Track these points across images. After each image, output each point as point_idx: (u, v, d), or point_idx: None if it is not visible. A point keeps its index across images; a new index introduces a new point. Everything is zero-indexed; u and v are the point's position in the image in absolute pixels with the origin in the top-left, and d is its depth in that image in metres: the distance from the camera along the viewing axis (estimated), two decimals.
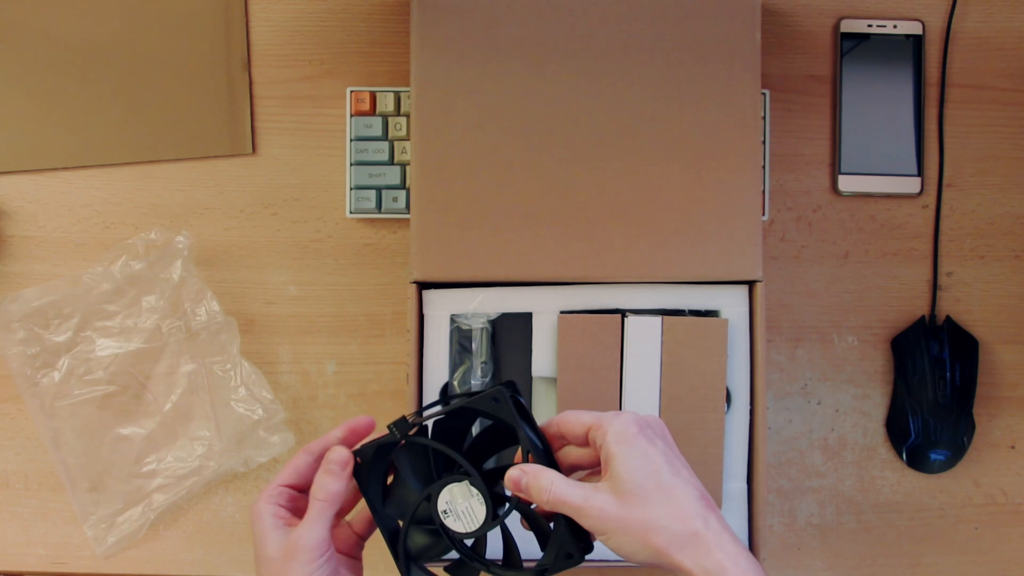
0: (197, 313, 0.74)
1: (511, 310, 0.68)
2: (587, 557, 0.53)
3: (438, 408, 0.55)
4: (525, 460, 0.53)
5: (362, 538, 0.59)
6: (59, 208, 0.77)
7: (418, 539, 0.56)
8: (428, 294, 0.68)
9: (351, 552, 0.58)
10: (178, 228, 0.76)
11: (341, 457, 0.54)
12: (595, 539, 0.53)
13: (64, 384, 0.74)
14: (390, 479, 0.57)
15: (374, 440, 0.55)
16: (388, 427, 0.55)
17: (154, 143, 0.77)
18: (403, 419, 0.54)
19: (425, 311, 0.68)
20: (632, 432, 0.51)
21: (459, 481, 0.53)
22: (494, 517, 0.53)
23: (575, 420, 0.53)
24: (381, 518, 0.56)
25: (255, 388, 0.74)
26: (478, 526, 0.53)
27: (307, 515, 0.53)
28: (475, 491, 0.53)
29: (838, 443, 0.76)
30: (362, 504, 0.58)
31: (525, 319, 0.68)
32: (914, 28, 0.77)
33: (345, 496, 0.54)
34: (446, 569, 0.57)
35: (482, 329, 0.70)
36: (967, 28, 0.78)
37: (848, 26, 0.77)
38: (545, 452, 0.55)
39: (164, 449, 0.74)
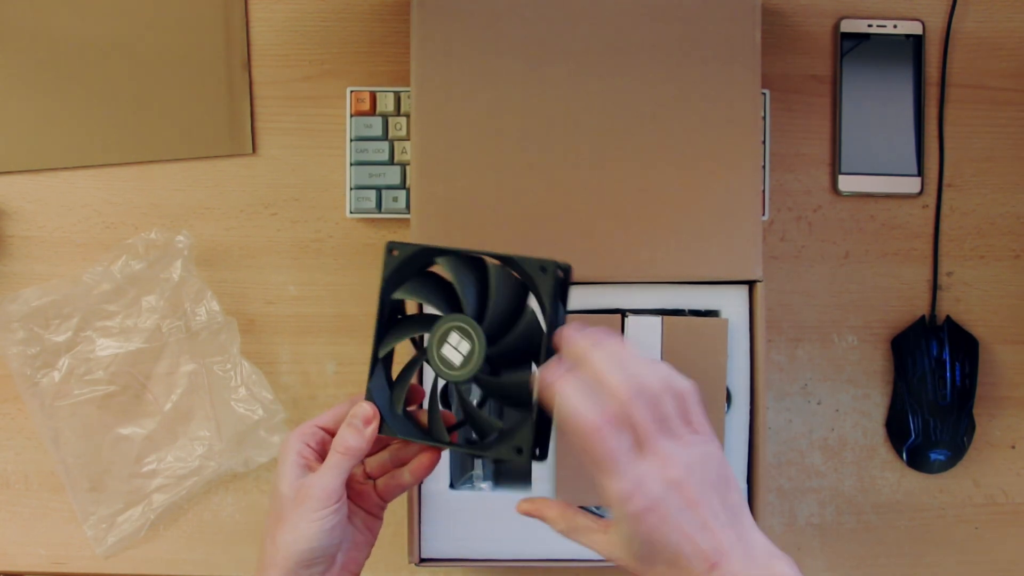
0: (197, 313, 0.74)
1: None
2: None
3: (481, 252, 0.54)
4: (540, 332, 0.51)
5: (384, 500, 0.58)
6: (59, 208, 0.77)
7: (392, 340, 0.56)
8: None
9: (373, 511, 0.58)
10: (178, 228, 0.76)
11: (365, 413, 0.54)
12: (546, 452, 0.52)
13: (64, 384, 0.74)
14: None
15: (422, 244, 0.54)
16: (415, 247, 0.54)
17: (154, 143, 0.77)
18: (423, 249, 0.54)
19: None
20: (637, 508, 0.46)
21: (461, 326, 0.53)
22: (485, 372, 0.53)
23: (581, 431, 0.48)
24: (382, 319, 0.56)
25: (255, 388, 0.74)
26: (462, 360, 0.52)
27: (324, 463, 0.53)
28: (469, 338, 0.52)
29: (838, 443, 0.76)
30: (389, 469, 0.58)
31: None
32: (914, 28, 0.77)
33: (364, 452, 0.54)
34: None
35: None
36: (967, 28, 0.78)
37: (848, 26, 0.77)
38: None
39: (164, 449, 0.74)
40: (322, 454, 0.55)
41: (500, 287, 0.53)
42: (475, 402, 0.65)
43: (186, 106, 0.77)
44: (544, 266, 0.51)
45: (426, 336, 0.55)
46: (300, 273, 0.77)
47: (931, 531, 0.76)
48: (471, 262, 0.54)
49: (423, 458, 0.56)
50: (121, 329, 0.74)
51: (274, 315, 0.76)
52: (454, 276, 0.53)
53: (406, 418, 0.56)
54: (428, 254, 0.54)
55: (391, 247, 0.55)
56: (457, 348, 0.53)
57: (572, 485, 0.65)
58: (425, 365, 0.56)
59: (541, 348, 0.51)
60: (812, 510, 0.76)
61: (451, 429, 0.56)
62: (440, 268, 0.55)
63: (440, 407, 0.55)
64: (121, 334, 0.74)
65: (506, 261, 0.53)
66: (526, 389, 0.51)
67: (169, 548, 0.76)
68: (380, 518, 0.58)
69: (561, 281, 0.52)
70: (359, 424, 0.53)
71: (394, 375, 0.57)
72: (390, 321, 0.56)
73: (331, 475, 0.52)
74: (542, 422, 0.51)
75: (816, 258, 0.77)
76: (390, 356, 0.57)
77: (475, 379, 0.53)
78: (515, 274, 0.53)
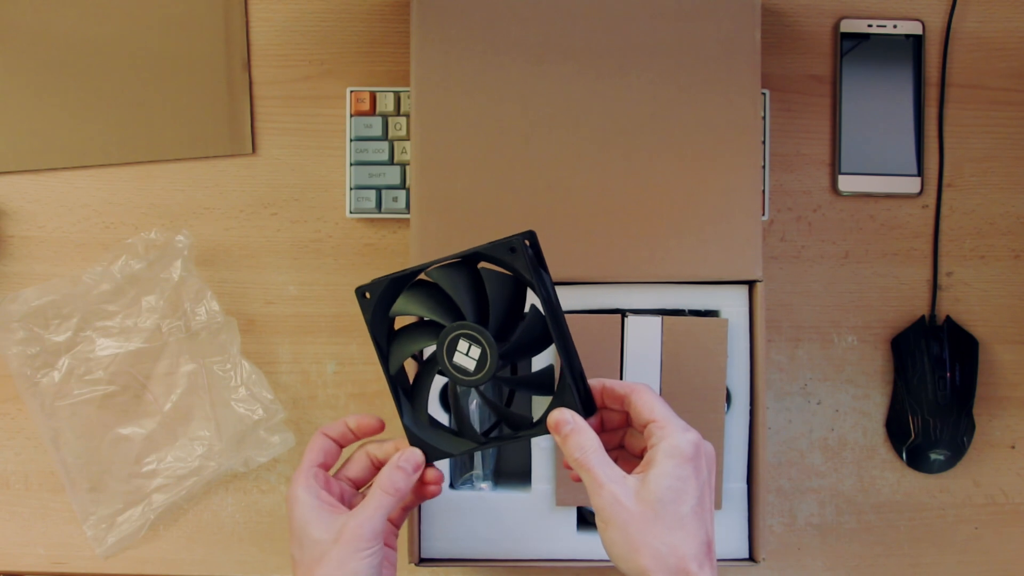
0: (197, 313, 0.74)
1: None
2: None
3: (450, 257, 0.55)
4: (544, 318, 0.53)
5: (397, 528, 0.59)
6: (59, 208, 0.77)
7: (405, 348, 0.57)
8: None
9: (388, 541, 0.58)
10: (178, 228, 0.76)
11: (417, 459, 0.55)
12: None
13: (64, 384, 0.74)
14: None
15: (388, 274, 0.55)
16: (389, 276, 0.55)
17: (154, 143, 0.77)
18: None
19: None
20: (688, 454, 0.50)
21: (467, 332, 0.53)
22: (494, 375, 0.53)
23: (648, 404, 0.53)
24: (384, 355, 0.56)
25: (255, 388, 0.74)
26: (476, 372, 0.53)
27: (369, 503, 0.53)
28: (484, 343, 0.53)
29: (838, 443, 0.76)
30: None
31: None
32: (914, 28, 0.77)
33: (409, 495, 0.56)
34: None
35: None
36: (967, 28, 0.78)
37: (848, 26, 0.77)
38: (557, 314, 0.54)
39: (164, 449, 0.74)
40: (329, 490, 0.56)
41: (494, 286, 0.53)
42: (473, 404, 0.65)
43: (186, 106, 0.77)
44: (512, 245, 0.52)
45: (425, 351, 0.56)
46: (300, 273, 0.77)
47: (931, 531, 0.76)
48: (456, 268, 0.54)
49: (433, 474, 0.57)
50: (121, 329, 0.74)
51: (274, 315, 0.76)
52: (447, 285, 0.54)
53: (433, 428, 0.57)
54: (399, 284, 0.55)
55: (361, 291, 0.56)
56: (468, 354, 0.53)
57: (572, 486, 0.65)
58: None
59: (549, 326, 0.53)
60: (812, 510, 0.76)
61: (485, 434, 0.57)
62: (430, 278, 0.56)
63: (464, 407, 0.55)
64: (121, 334, 0.74)
65: (473, 257, 0.54)
66: (550, 371, 0.53)
67: (169, 548, 0.76)
68: (395, 548, 0.59)
69: (532, 250, 0.53)
70: (410, 469, 0.54)
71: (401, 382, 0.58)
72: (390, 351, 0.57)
73: (379, 516, 0.53)
74: (578, 386, 0.53)
75: (816, 258, 0.77)
76: (406, 381, 0.58)
77: (496, 378, 0.53)
78: (498, 269, 0.54)
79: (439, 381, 0.64)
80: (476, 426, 0.64)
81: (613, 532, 0.50)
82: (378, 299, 0.55)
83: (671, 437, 0.51)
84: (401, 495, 0.54)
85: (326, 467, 0.57)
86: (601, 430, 0.56)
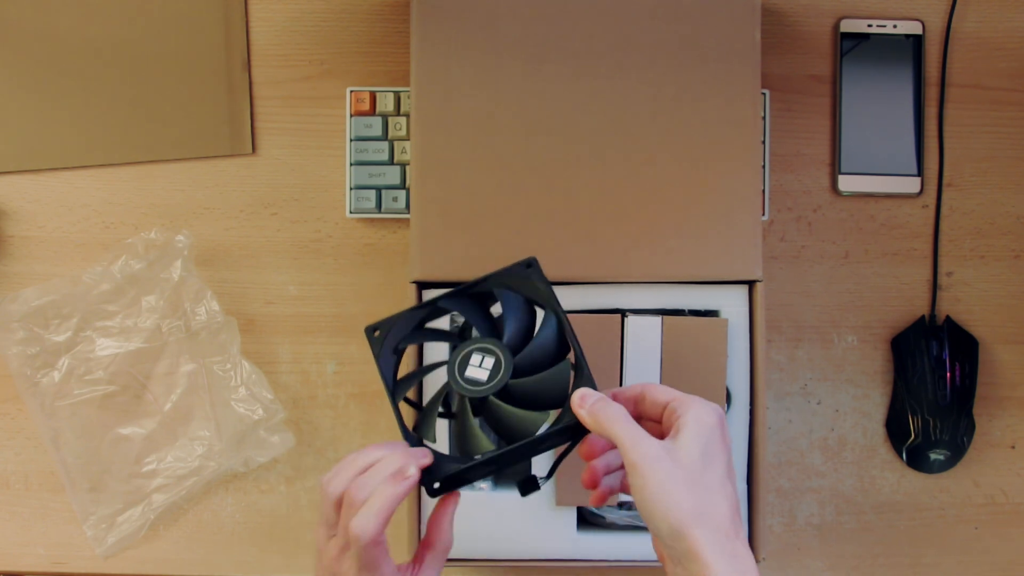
0: (197, 313, 0.74)
1: None
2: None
3: (463, 286, 0.56)
4: (556, 329, 0.54)
5: None
6: (59, 208, 0.77)
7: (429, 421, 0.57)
8: (428, 294, 0.68)
9: None
10: (178, 228, 0.76)
11: (435, 497, 0.55)
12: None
13: (64, 384, 0.74)
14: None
15: (399, 312, 0.56)
16: (408, 309, 0.56)
17: (154, 143, 0.77)
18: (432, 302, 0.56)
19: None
20: (713, 422, 0.51)
21: (481, 346, 0.54)
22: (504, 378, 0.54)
23: (664, 393, 0.53)
24: (392, 391, 0.56)
25: (255, 388, 0.74)
26: (489, 381, 0.54)
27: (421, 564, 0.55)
28: (492, 353, 0.54)
29: (838, 443, 0.76)
30: None
31: None
32: (914, 28, 0.77)
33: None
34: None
35: None
36: (967, 28, 0.78)
37: (848, 26, 0.77)
38: (571, 327, 0.55)
39: (164, 449, 0.74)
40: None
41: (510, 304, 0.55)
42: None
43: (186, 106, 0.77)
44: (528, 261, 0.55)
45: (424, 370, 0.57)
46: (300, 273, 0.77)
47: (931, 531, 0.76)
48: (467, 295, 0.56)
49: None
50: (121, 329, 0.74)
51: (274, 315, 0.77)
52: (460, 311, 0.56)
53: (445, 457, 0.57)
54: (409, 322, 0.56)
55: (371, 330, 0.56)
56: (481, 366, 0.54)
57: (571, 486, 0.65)
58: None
59: (567, 336, 0.54)
60: (812, 510, 0.76)
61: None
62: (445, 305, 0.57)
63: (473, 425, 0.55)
64: (121, 334, 0.74)
65: (483, 283, 0.56)
66: (564, 381, 0.54)
67: (169, 548, 0.76)
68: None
69: (540, 271, 0.56)
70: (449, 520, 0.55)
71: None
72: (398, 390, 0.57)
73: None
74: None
75: (816, 258, 0.77)
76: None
77: (506, 387, 0.54)
78: (511, 289, 0.55)
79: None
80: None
81: (653, 487, 0.48)
82: (387, 337, 0.56)
83: (695, 408, 0.51)
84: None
85: None
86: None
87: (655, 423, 0.54)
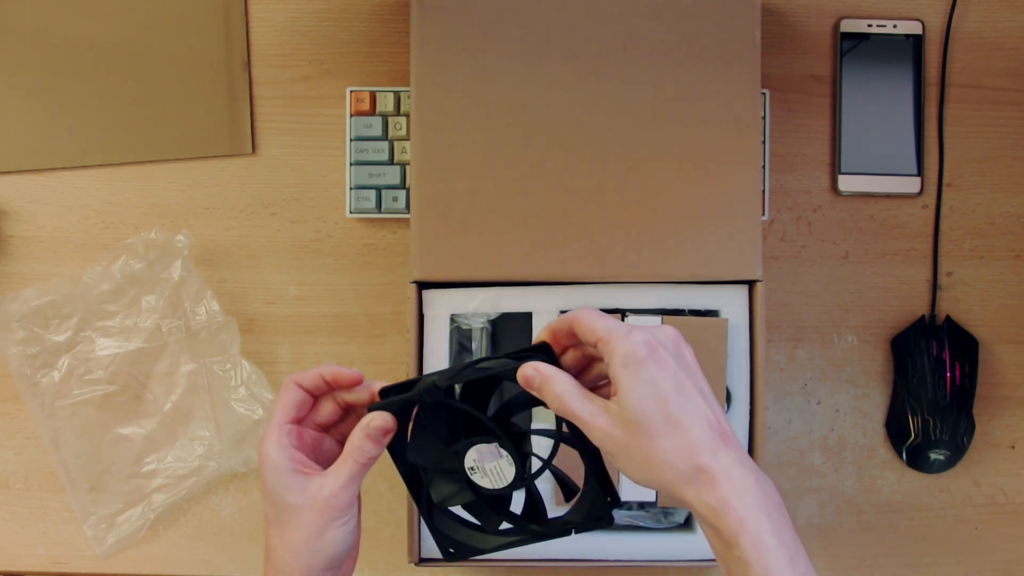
0: (197, 313, 0.74)
1: (511, 310, 0.68)
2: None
3: (466, 371, 0.53)
4: (559, 430, 0.52)
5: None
6: (59, 208, 0.77)
7: (442, 489, 0.55)
8: (428, 294, 0.68)
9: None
10: (178, 228, 0.76)
11: (386, 424, 0.53)
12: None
13: (64, 384, 0.74)
14: (410, 425, 0.57)
15: (400, 396, 0.54)
16: (419, 392, 0.53)
17: (154, 143, 0.77)
18: (433, 386, 0.53)
19: (425, 311, 0.68)
20: (641, 356, 0.47)
21: (488, 442, 0.52)
22: (523, 478, 0.52)
23: (588, 326, 0.50)
24: (402, 463, 0.55)
25: (255, 388, 0.74)
26: (506, 484, 0.52)
27: (340, 472, 0.52)
28: (504, 452, 0.52)
29: (838, 443, 0.76)
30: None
31: (525, 319, 0.68)
32: (914, 28, 0.77)
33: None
34: (467, 508, 0.56)
35: (482, 329, 0.70)
36: (967, 28, 0.78)
37: (848, 26, 0.77)
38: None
39: (164, 449, 0.74)
40: (301, 447, 0.54)
41: (520, 395, 0.53)
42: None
43: (186, 106, 0.77)
44: (539, 348, 0.52)
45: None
46: (300, 273, 0.77)
47: (931, 531, 0.76)
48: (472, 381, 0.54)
49: (362, 394, 0.55)
50: (121, 329, 0.74)
51: (274, 315, 0.76)
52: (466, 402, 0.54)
53: (455, 521, 0.56)
54: (409, 406, 0.54)
55: (383, 394, 0.54)
56: (487, 467, 0.53)
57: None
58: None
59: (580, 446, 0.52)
60: (812, 510, 0.76)
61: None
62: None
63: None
64: (121, 334, 0.74)
65: (491, 368, 0.52)
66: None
67: (169, 548, 0.76)
68: (359, 502, 0.58)
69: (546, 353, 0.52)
70: (379, 436, 0.53)
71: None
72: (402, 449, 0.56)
73: (353, 487, 0.52)
74: (598, 480, 0.52)
75: (816, 258, 0.77)
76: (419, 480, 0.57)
77: (525, 476, 0.53)
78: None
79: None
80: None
81: (620, 462, 0.48)
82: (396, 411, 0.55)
83: (618, 347, 0.48)
84: (371, 463, 0.53)
85: (298, 422, 0.55)
86: (577, 375, 0.53)
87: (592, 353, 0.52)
